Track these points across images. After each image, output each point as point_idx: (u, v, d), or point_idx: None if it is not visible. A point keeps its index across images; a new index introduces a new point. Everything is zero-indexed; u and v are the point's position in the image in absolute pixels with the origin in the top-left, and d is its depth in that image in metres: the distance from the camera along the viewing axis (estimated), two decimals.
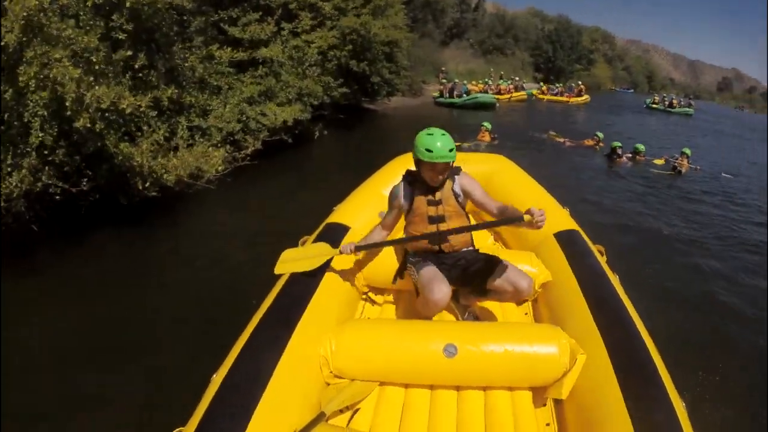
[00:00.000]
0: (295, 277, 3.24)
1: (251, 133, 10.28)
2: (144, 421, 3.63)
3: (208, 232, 7.49)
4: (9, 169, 5.67)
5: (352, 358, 2.85)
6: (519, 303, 3.71)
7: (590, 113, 34.46)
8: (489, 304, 3.74)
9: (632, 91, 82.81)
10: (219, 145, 9.02)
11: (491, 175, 5.16)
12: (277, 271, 3.32)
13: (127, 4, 6.88)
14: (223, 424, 2.13)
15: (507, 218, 3.10)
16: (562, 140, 17.92)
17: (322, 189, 8.01)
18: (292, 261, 3.37)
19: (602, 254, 3.89)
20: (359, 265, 3.76)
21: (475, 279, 3.35)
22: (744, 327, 5.79)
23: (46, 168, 6.03)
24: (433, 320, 3.32)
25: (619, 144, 15.12)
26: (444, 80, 34.75)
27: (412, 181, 3.44)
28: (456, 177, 3.41)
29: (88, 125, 5.94)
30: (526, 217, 2.90)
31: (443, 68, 39.87)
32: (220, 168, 8.25)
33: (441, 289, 3.12)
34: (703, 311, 6.06)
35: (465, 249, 3.51)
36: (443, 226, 3.35)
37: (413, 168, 3.48)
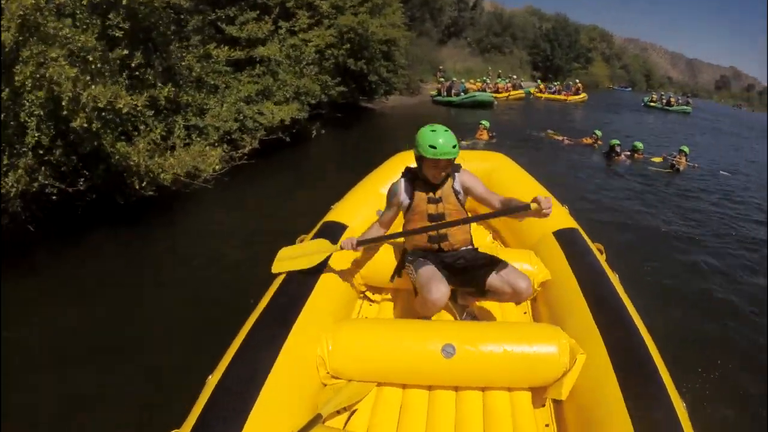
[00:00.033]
0: (291, 276, 3.21)
1: (248, 132, 10.28)
2: (144, 421, 3.60)
3: (206, 231, 7.47)
4: (5, 169, 5.64)
5: (350, 359, 2.82)
6: (518, 303, 3.67)
7: (588, 111, 34.51)
8: (487, 304, 3.71)
9: (630, 89, 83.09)
10: (216, 144, 9.01)
11: (490, 172, 5.13)
12: (274, 270, 3.29)
13: (124, 2, 6.86)
14: (218, 426, 2.10)
15: (513, 207, 3.06)
16: (560, 138, 17.93)
17: (319, 188, 8.01)
18: (289, 259, 3.34)
19: (601, 252, 3.86)
20: (357, 263, 3.73)
21: (473, 279, 3.32)
22: (743, 325, 5.77)
23: (43, 168, 6.01)
24: (431, 320, 3.29)
25: (618, 142, 15.13)
26: (442, 79, 34.76)
27: (411, 178, 3.42)
28: (456, 174, 3.39)
29: (85, 125, 5.92)
30: (533, 206, 2.89)
31: (441, 67, 39.92)
32: (217, 167, 8.23)
33: (439, 288, 3.09)
34: (701, 309, 6.04)
35: (464, 248, 3.48)
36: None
37: (412, 165, 3.46)
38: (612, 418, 2.22)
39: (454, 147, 3.11)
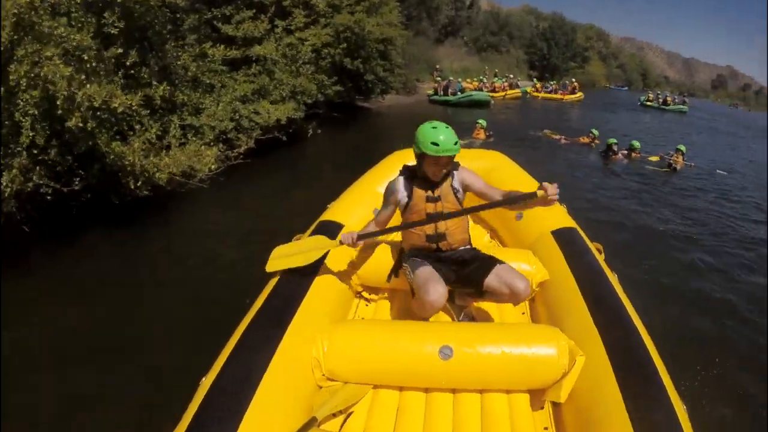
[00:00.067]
0: (286, 276, 3.17)
1: (244, 132, 10.27)
2: (144, 421, 3.58)
3: (201, 231, 7.45)
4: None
5: (345, 360, 2.79)
6: (516, 304, 3.64)
7: (585, 111, 34.53)
8: (485, 304, 3.69)
9: (627, 88, 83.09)
10: (212, 143, 8.98)
11: (488, 171, 5.10)
12: (269, 268, 3.25)
13: (119, 0, 6.81)
14: (211, 428, 2.07)
15: (518, 196, 3.01)
16: (557, 137, 17.93)
17: (315, 187, 7.97)
18: (285, 257, 3.30)
19: (600, 252, 3.84)
20: (353, 263, 3.71)
21: (471, 280, 3.30)
22: (741, 324, 5.77)
23: (38, 168, 5.97)
24: (429, 321, 3.26)
25: (615, 141, 15.15)
26: (438, 78, 34.77)
27: (410, 176, 3.39)
28: (455, 173, 3.36)
29: (80, 124, 5.89)
30: (539, 193, 2.86)
31: (438, 66, 39.88)
32: (212, 167, 8.21)
33: (437, 290, 3.06)
34: (699, 307, 6.03)
35: (462, 248, 3.46)
36: (441, 225, 3.31)
37: (410, 164, 3.44)
38: (612, 420, 2.20)
39: (456, 144, 3.08)
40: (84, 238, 6.56)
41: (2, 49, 5.45)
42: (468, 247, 3.50)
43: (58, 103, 5.69)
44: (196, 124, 9.02)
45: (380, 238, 3.71)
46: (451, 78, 33.31)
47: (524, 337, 2.77)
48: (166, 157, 7.42)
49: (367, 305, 3.88)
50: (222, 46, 10.56)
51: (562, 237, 3.92)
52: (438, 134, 3.06)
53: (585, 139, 17.34)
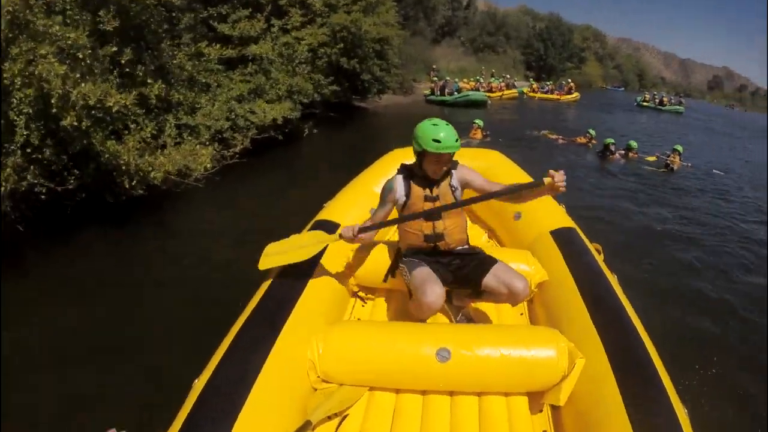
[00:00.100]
0: (281, 276, 3.13)
1: (240, 131, 10.24)
2: (142, 421, 3.53)
3: (197, 230, 7.42)
4: None
5: (341, 362, 2.74)
6: (514, 304, 3.59)
7: (581, 111, 34.59)
8: (483, 305, 3.65)
9: (623, 89, 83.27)
10: (207, 143, 8.95)
11: (486, 170, 5.01)
12: (262, 266, 3.18)
13: None
14: (204, 431, 2.03)
15: (523, 185, 2.98)
16: (554, 137, 17.97)
17: (311, 187, 7.96)
18: (280, 254, 3.24)
19: (599, 253, 3.81)
20: (350, 262, 3.66)
21: (469, 280, 3.27)
22: (740, 323, 5.77)
23: (32, 167, 5.93)
24: (426, 322, 3.22)
25: (612, 141, 15.16)
26: (435, 78, 34.84)
27: (408, 175, 3.34)
28: (453, 171, 3.32)
29: (75, 123, 5.86)
30: (547, 180, 2.82)
31: (434, 66, 39.97)
32: (208, 166, 8.16)
33: (434, 291, 3.02)
34: (698, 307, 6.02)
35: (460, 248, 3.42)
36: (439, 224, 3.28)
37: (408, 163, 3.40)
38: (611, 423, 2.17)
39: (457, 141, 3.06)
40: (79, 237, 6.53)
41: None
42: (466, 247, 3.46)
43: (52, 101, 5.65)
44: (191, 124, 8.98)
45: (377, 237, 3.66)
46: (448, 78, 33.44)
47: (523, 339, 2.73)
48: (162, 157, 7.38)
49: (363, 305, 3.84)
50: (218, 45, 10.56)
51: (561, 237, 3.89)
52: (439, 131, 3.02)
53: (582, 139, 17.34)
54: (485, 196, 3.18)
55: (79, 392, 3.86)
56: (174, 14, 9.81)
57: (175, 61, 8.97)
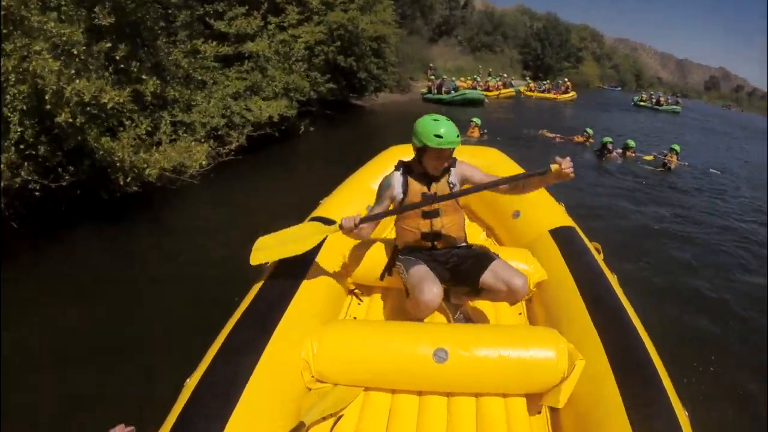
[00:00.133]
0: (276, 273, 3.08)
1: (236, 128, 10.23)
2: (143, 421, 3.51)
3: (192, 227, 7.39)
4: None
5: (336, 362, 2.69)
6: (513, 303, 3.55)
7: (578, 110, 34.65)
8: (481, 304, 3.60)
9: (620, 89, 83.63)
10: (203, 140, 8.92)
11: (484, 167, 5.00)
12: (253, 261, 3.08)
13: None
14: (195, 431, 1.98)
15: (530, 173, 2.93)
16: (552, 136, 18.02)
17: (308, 184, 7.90)
18: (274, 247, 3.16)
19: (599, 252, 3.77)
20: (346, 260, 3.62)
21: (467, 277, 3.22)
22: (739, 322, 5.77)
23: (26, 163, 5.88)
24: (423, 322, 3.16)
25: (610, 140, 15.16)
26: (432, 77, 34.87)
27: (405, 171, 3.29)
28: (452, 169, 3.28)
29: (69, 120, 5.82)
30: (554, 167, 2.78)
31: (431, 65, 40.01)
32: (203, 162, 8.11)
33: (432, 289, 2.97)
34: (697, 306, 6.02)
35: (458, 245, 3.38)
36: (437, 222, 3.23)
37: (405, 159, 3.35)
38: (611, 425, 2.13)
39: (458, 136, 3.02)
40: (74, 234, 6.51)
41: None
42: (464, 244, 3.42)
43: (46, 98, 5.62)
44: (187, 121, 8.96)
45: (374, 235, 3.60)
46: (445, 77, 33.36)
47: (522, 340, 2.69)
48: (157, 153, 7.34)
49: (359, 304, 3.78)
50: (214, 43, 10.53)
51: (561, 236, 3.85)
52: (440, 126, 2.99)
53: (579, 138, 17.37)
54: (491, 183, 3.11)
55: (79, 392, 3.83)
56: (170, 11, 9.76)
57: (171, 58, 8.94)
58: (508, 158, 5.47)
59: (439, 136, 2.95)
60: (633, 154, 15.32)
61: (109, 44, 6.81)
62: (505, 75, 43.64)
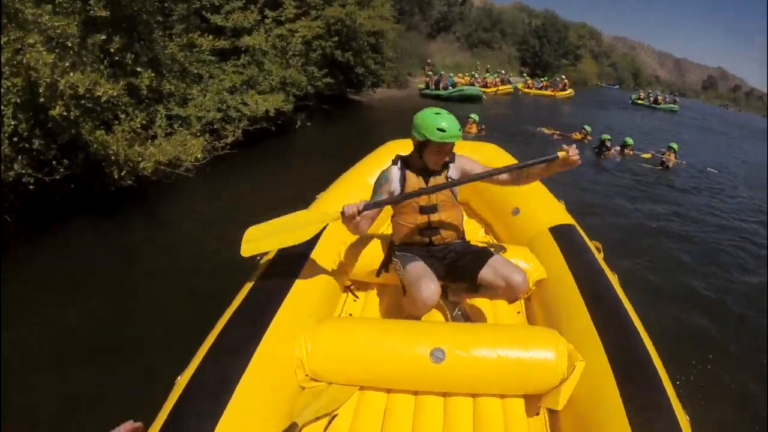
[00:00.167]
0: (270, 268, 3.03)
1: (231, 122, 10.19)
2: (143, 420, 3.48)
3: (187, 220, 7.38)
4: None
5: (330, 360, 2.65)
6: (511, 301, 3.50)
7: (576, 108, 34.66)
8: (479, 302, 3.53)
9: (618, 87, 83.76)
10: (198, 134, 8.90)
11: (483, 162, 4.97)
12: (245, 253, 2.99)
13: None
14: (185, 430, 1.94)
15: (536, 160, 2.86)
16: (550, 132, 18.08)
17: (304, 179, 7.87)
18: (268, 237, 3.04)
19: (599, 251, 3.73)
20: (341, 256, 3.56)
21: (465, 273, 3.17)
22: (738, 321, 5.78)
23: (20, 157, 5.83)
24: (420, 320, 3.12)
25: (609, 137, 15.16)
26: (430, 72, 34.92)
27: (403, 166, 3.24)
28: (451, 165, 3.24)
29: (64, 113, 5.78)
30: (561, 154, 2.73)
31: (429, 61, 40.05)
32: (199, 156, 8.07)
33: (429, 287, 2.92)
34: (695, 305, 6.01)
35: (455, 241, 3.34)
36: (435, 217, 3.19)
37: (403, 154, 3.31)
38: (611, 427, 2.09)
39: (459, 130, 2.98)
40: (68, 227, 6.47)
41: None
42: (461, 240, 3.38)
43: (40, 91, 5.58)
44: (182, 114, 8.93)
45: (370, 231, 3.55)
46: (443, 73, 33.33)
47: (521, 340, 2.64)
48: (152, 147, 7.32)
49: (355, 301, 3.73)
50: (211, 36, 10.50)
51: (561, 234, 3.81)
52: (442, 120, 2.94)
53: (577, 135, 17.34)
54: (494, 170, 3.02)
55: (79, 392, 3.81)
56: (167, 4, 9.71)
57: (167, 52, 8.90)
58: (506, 153, 5.43)
59: (442, 130, 2.91)
60: (631, 152, 15.34)
61: (103, 37, 6.77)
62: (503, 72, 43.66)
